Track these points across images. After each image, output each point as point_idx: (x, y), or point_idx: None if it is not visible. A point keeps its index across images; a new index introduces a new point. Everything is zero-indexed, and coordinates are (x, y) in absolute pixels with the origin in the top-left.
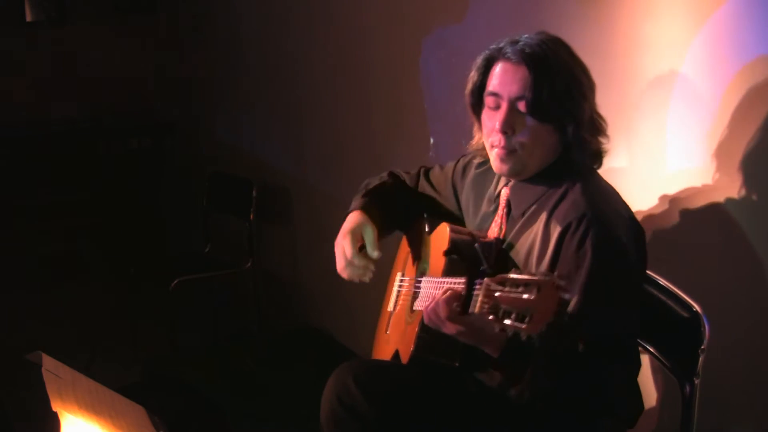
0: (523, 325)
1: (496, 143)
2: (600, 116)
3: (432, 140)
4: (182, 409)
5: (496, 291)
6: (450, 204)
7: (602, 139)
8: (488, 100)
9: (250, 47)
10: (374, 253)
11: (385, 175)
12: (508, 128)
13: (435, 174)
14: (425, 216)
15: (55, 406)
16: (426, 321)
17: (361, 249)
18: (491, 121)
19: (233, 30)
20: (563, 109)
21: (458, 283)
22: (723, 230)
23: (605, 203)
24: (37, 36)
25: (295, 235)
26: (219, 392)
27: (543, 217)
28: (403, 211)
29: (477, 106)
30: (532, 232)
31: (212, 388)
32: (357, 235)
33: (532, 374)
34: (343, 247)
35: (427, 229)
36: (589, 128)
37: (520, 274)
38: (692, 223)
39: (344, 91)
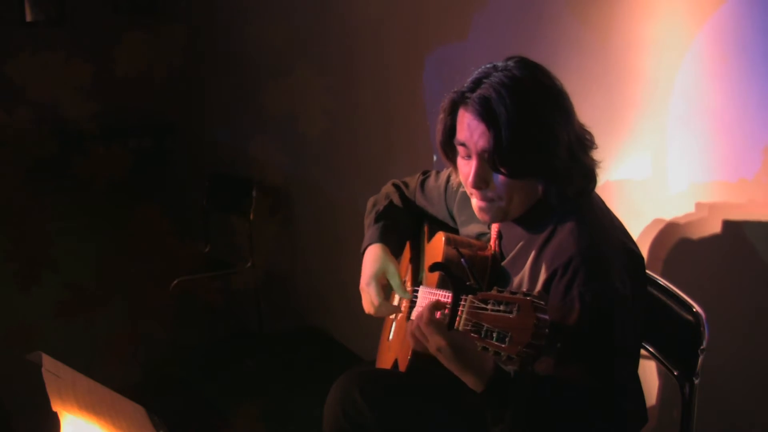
0: (503, 345)
1: (473, 194)
2: (583, 134)
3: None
4: (182, 409)
5: (479, 309)
6: (443, 216)
7: (589, 160)
8: (460, 149)
9: (252, 47)
10: (405, 295)
11: (390, 189)
12: (481, 183)
13: (429, 185)
14: (426, 223)
15: (55, 406)
16: (411, 342)
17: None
18: (465, 169)
19: (234, 30)
20: (533, 163)
21: (449, 297)
22: (723, 230)
23: (595, 240)
24: (37, 36)
25: (295, 235)
26: (219, 392)
27: (531, 257)
28: (413, 228)
29: (450, 150)
30: (520, 271)
31: (212, 388)
32: (380, 279)
33: (512, 417)
34: (369, 295)
35: (426, 237)
36: (570, 162)
37: (502, 292)
38: (693, 223)
39: (346, 93)
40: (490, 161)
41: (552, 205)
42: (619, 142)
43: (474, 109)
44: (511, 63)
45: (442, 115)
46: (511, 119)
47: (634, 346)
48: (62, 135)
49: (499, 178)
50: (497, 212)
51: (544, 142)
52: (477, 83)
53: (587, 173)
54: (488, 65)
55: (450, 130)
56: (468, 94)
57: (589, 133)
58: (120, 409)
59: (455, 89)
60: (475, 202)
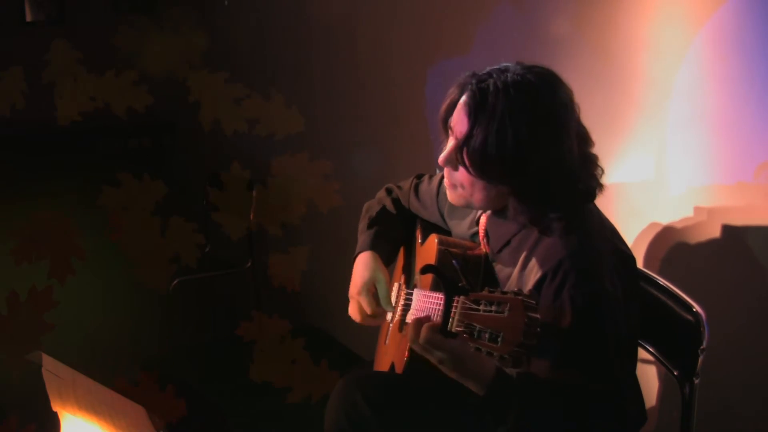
0: (496, 345)
1: (445, 172)
2: (575, 167)
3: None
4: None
5: (471, 310)
6: (436, 219)
7: (571, 194)
8: (449, 128)
9: (251, 48)
10: (388, 308)
11: (383, 194)
12: (448, 164)
13: (423, 188)
14: (419, 225)
15: (55, 406)
16: (416, 348)
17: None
18: (445, 146)
19: (233, 30)
20: (495, 172)
21: (442, 299)
22: (723, 230)
23: (584, 243)
24: (37, 36)
25: (296, 235)
26: (219, 392)
27: (521, 258)
28: (406, 233)
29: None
30: (511, 273)
31: (212, 388)
32: (370, 288)
33: (515, 419)
34: (360, 304)
35: (419, 240)
36: (540, 187)
37: (494, 292)
38: (692, 223)
39: (348, 101)
40: (456, 152)
41: (511, 214)
42: (619, 143)
43: (468, 96)
44: (530, 75)
45: (453, 89)
46: (494, 121)
47: (629, 346)
48: (62, 135)
49: (462, 171)
50: (460, 198)
51: (515, 157)
52: (489, 74)
53: (559, 206)
54: (515, 64)
55: (453, 106)
56: (473, 80)
57: (592, 162)
58: (120, 409)
59: (475, 71)
60: (445, 181)
